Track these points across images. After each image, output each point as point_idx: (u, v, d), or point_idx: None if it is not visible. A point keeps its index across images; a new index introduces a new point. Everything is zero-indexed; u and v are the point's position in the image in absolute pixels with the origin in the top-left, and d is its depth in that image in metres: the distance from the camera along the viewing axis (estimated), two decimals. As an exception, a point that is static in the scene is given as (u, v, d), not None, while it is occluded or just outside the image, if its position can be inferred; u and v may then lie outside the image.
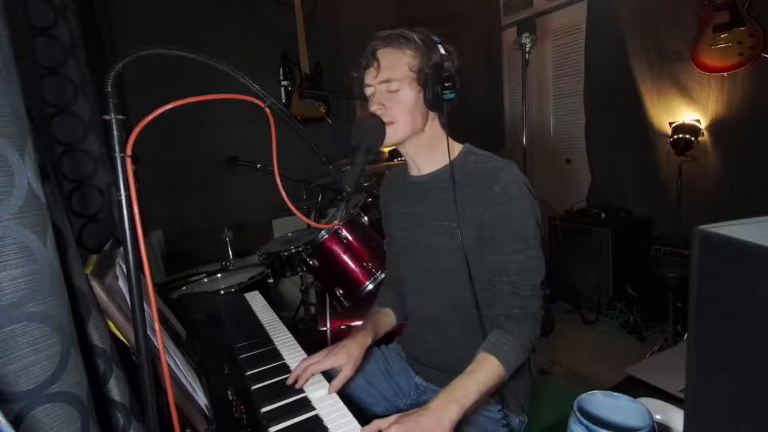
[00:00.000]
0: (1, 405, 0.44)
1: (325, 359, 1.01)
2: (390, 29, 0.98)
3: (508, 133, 3.97)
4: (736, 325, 0.36)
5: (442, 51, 0.96)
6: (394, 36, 0.97)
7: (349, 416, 0.87)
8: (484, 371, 0.86)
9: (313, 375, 1.00)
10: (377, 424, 0.79)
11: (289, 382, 0.98)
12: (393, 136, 0.99)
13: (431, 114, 1.01)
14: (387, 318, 1.21)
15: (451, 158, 1.01)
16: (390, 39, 0.97)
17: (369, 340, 1.10)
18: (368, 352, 1.26)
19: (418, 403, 1.11)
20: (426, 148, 1.04)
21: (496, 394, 0.98)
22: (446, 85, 0.95)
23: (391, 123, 0.98)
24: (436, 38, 0.98)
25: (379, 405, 1.14)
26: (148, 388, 0.63)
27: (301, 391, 0.95)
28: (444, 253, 1.00)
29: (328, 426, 0.84)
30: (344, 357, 1.01)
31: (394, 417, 0.80)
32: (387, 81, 0.96)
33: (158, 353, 0.67)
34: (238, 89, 0.71)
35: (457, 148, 1.05)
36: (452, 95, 0.96)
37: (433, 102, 0.96)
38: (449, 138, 1.02)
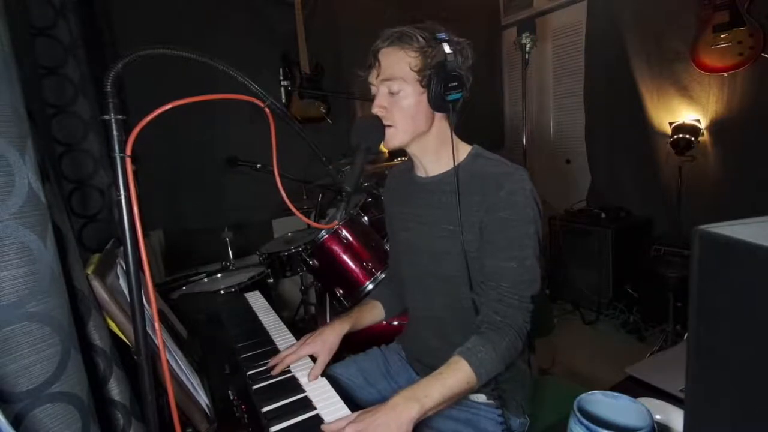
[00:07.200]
0: (1, 405, 0.44)
1: (301, 348, 1.03)
2: (392, 28, 0.96)
3: (508, 132, 3.97)
4: (736, 325, 0.36)
5: (447, 49, 0.93)
6: (396, 35, 0.94)
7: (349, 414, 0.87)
8: (454, 376, 0.84)
9: (290, 365, 1.02)
10: (337, 424, 0.80)
11: (270, 365, 1.02)
12: (393, 139, 0.97)
13: (438, 115, 0.98)
14: (373, 310, 1.21)
15: (458, 162, 0.99)
16: (391, 38, 0.95)
17: (346, 328, 1.11)
18: (368, 352, 1.26)
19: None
20: (433, 151, 1.02)
21: (497, 397, 0.98)
22: (450, 85, 0.92)
23: (390, 126, 0.96)
24: (442, 35, 0.94)
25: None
26: (147, 387, 0.63)
27: (302, 390, 0.95)
28: (447, 256, 0.99)
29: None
30: (319, 344, 1.04)
31: (353, 415, 0.81)
32: (388, 80, 0.94)
33: (159, 352, 0.67)
34: (238, 89, 0.71)
35: (465, 149, 1.03)
36: (458, 95, 0.93)
37: (437, 103, 0.93)
38: (456, 140, 1.00)
